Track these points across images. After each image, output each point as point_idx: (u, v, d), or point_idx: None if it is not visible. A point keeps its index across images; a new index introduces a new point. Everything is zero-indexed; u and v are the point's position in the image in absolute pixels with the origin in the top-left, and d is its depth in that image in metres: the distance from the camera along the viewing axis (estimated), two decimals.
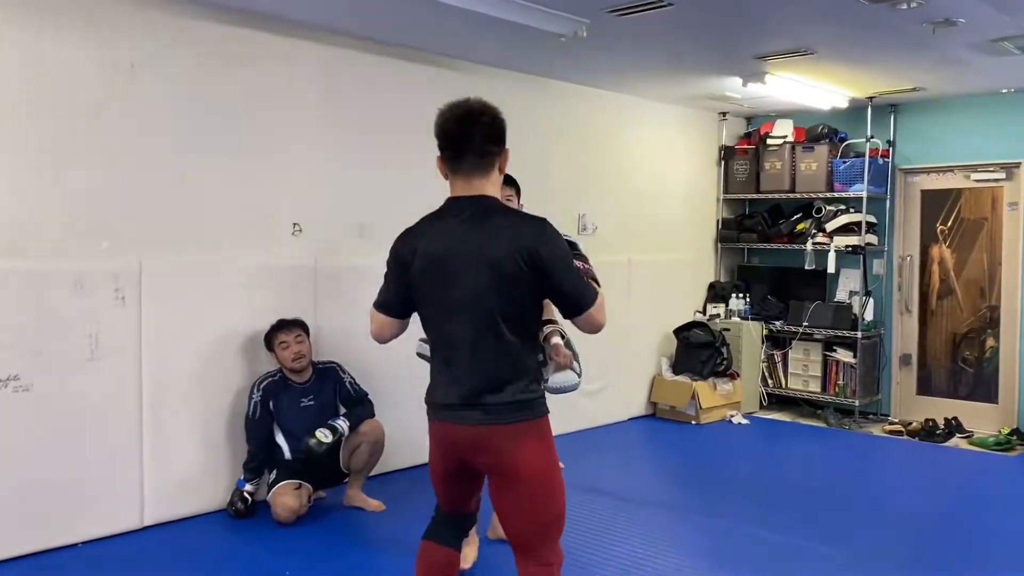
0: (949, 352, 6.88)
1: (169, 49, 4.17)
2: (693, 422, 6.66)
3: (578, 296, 2.38)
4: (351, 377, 4.48)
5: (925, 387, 6.99)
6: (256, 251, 4.51)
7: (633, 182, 6.85)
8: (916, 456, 5.92)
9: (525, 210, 2.67)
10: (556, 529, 2.42)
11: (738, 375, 6.98)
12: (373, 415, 4.45)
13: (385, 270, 2.54)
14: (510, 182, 3.80)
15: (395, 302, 2.53)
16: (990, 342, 6.63)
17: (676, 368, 6.92)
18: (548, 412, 2.43)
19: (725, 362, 6.84)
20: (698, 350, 6.82)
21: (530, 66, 5.72)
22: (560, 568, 2.43)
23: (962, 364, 6.83)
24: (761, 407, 7.27)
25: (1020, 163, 6.39)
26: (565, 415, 6.13)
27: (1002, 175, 6.54)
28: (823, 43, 4.98)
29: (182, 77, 4.22)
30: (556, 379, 2.80)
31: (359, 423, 4.34)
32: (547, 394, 2.53)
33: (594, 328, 2.45)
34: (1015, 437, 6.15)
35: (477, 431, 2.35)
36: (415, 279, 2.42)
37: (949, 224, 6.85)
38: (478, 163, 2.40)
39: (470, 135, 2.37)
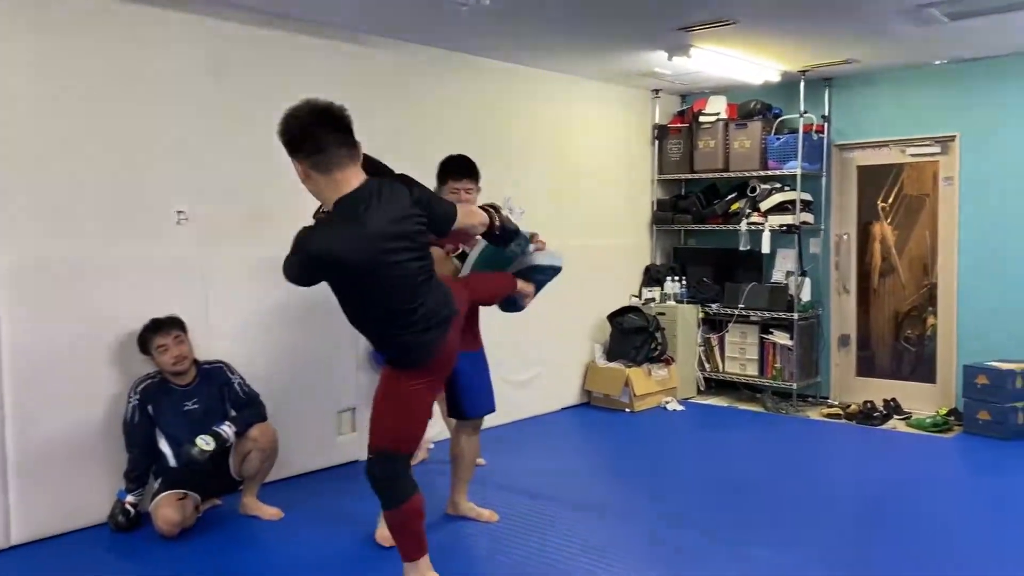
0: (892, 331, 6.72)
1: (23, 19, 3.79)
2: (627, 410, 6.43)
3: (444, 210, 3.02)
4: (240, 377, 4.16)
5: (865, 368, 6.83)
6: (134, 241, 4.15)
7: (564, 164, 6.58)
8: (852, 441, 5.74)
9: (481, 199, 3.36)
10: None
11: (673, 360, 6.76)
12: (264, 418, 4.13)
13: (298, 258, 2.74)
14: (472, 174, 3.90)
15: (307, 283, 2.87)
16: (931, 320, 6.48)
17: (610, 355, 6.68)
18: None
19: (660, 347, 6.62)
20: (632, 335, 6.58)
21: (440, 39, 5.40)
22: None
23: (904, 343, 6.68)
24: (699, 392, 7.07)
25: (955, 136, 6.22)
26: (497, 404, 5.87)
27: (937, 149, 6.37)
28: (745, 11, 4.72)
29: (44, 48, 3.84)
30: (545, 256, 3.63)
31: (248, 427, 4.02)
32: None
33: (475, 225, 3.24)
34: (952, 418, 6.01)
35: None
36: (349, 277, 2.78)
37: (891, 201, 6.67)
38: (348, 156, 2.74)
39: (331, 132, 2.75)
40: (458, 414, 3.90)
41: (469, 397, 3.85)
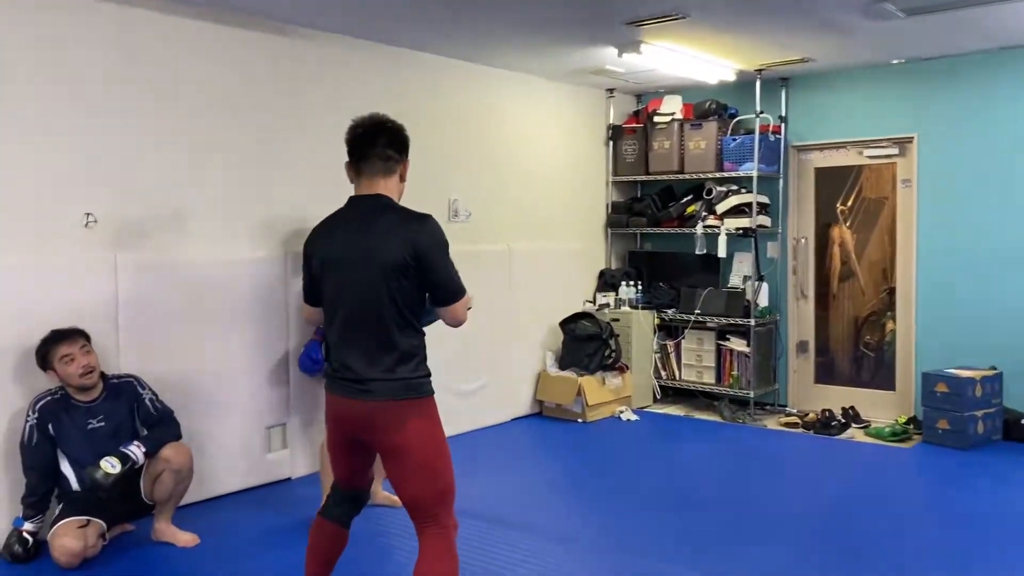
0: (851, 337, 6.56)
1: None
2: (580, 420, 6.19)
3: (453, 286, 2.67)
4: (152, 393, 3.85)
5: (824, 375, 6.66)
6: (34, 247, 3.83)
7: (514, 165, 6.33)
8: (809, 452, 5.55)
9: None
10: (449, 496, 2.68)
11: (627, 368, 6.54)
12: (178, 437, 3.83)
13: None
14: None
15: (310, 293, 2.82)
16: (891, 325, 6.33)
17: (562, 363, 6.44)
18: (433, 392, 2.68)
19: (613, 355, 6.39)
20: (584, 343, 6.35)
21: (379, 34, 5.13)
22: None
23: (864, 349, 6.52)
24: (655, 401, 6.86)
25: (913, 138, 6.07)
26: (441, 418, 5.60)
27: (895, 151, 6.21)
28: (695, 4, 4.51)
29: None
30: None
31: (160, 447, 3.71)
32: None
33: (457, 320, 2.73)
34: (912, 426, 5.84)
35: (368, 407, 2.61)
36: (316, 274, 2.74)
37: (850, 204, 6.51)
38: (381, 166, 2.73)
39: (374, 142, 2.72)
40: None
41: None
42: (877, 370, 6.42)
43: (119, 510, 3.73)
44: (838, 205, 6.56)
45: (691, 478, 4.94)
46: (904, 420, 5.92)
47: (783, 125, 6.56)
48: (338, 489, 2.82)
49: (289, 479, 4.79)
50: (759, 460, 5.35)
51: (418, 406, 2.60)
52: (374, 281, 2.57)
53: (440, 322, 2.76)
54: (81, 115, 3.97)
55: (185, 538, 3.81)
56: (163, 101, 4.27)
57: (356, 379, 2.59)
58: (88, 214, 4.00)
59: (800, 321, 6.71)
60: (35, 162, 3.83)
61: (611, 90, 7.05)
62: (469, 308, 2.76)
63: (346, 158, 2.77)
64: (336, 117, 5.08)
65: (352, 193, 2.76)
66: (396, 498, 3.78)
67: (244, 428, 4.59)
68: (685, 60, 5.67)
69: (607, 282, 7.01)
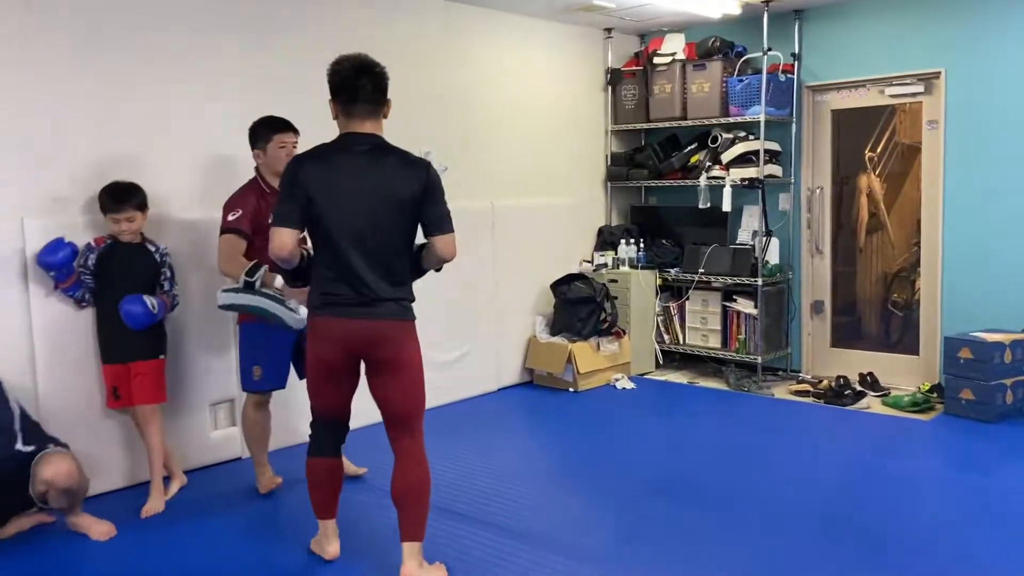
0: (879, 295, 5.98)
1: None
2: (571, 389, 5.75)
3: (449, 217, 2.98)
4: (21, 408, 3.47)
5: (844, 337, 6.11)
6: None
7: (497, 114, 5.83)
8: (816, 424, 5.03)
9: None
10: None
11: (624, 333, 6.06)
12: (46, 448, 3.41)
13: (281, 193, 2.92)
14: (295, 128, 3.78)
15: (297, 217, 2.87)
16: (920, 282, 5.74)
17: (553, 328, 5.99)
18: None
19: (609, 318, 5.91)
20: (577, 306, 5.88)
21: None
22: None
23: (892, 308, 5.96)
24: (657, 367, 6.38)
25: (940, 73, 5.41)
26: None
27: (920, 88, 5.56)
28: None
29: None
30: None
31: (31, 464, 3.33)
32: None
33: (453, 251, 2.97)
34: (936, 395, 5.29)
35: (376, 324, 2.92)
36: (316, 200, 2.85)
37: (879, 150, 5.89)
38: (371, 109, 2.93)
39: (364, 84, 2.89)
40: None
41: None
42: (904, 332, 5.86)
43: (7, 505, 3.41)
44: (866, 151, 5.94)
45: (681, 456, 4.47)
46: (927, 388, 5.37)
47: (796, 63, 5.94)
48: (324, 423, 3.10)
49: (239, 459, 4.45)
50: (759, 434, 4.85)
51: (412, 328, 2.99)
52: (386, 212, 2.87)
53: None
54: None
55: (100, 529, 3.48)
56: (76, 42, 3.86)
57: (365, 301, 2.88)
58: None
59: (815, 279, 6.14)
60: None
61: (609, 30, 6.47)
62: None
63: (324, 95, 2.94)
64: (294, 59, 4.68)
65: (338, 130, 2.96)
66: (353, 467, 4.10)
67: (184, 406, 4.24)
68: None
69: (606, 240, 6.51)
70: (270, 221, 2.94)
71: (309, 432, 3.19)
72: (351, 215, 2.85)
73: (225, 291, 3.53)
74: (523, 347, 6.01)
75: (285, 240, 2.84)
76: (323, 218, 2.85)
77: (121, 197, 3.69)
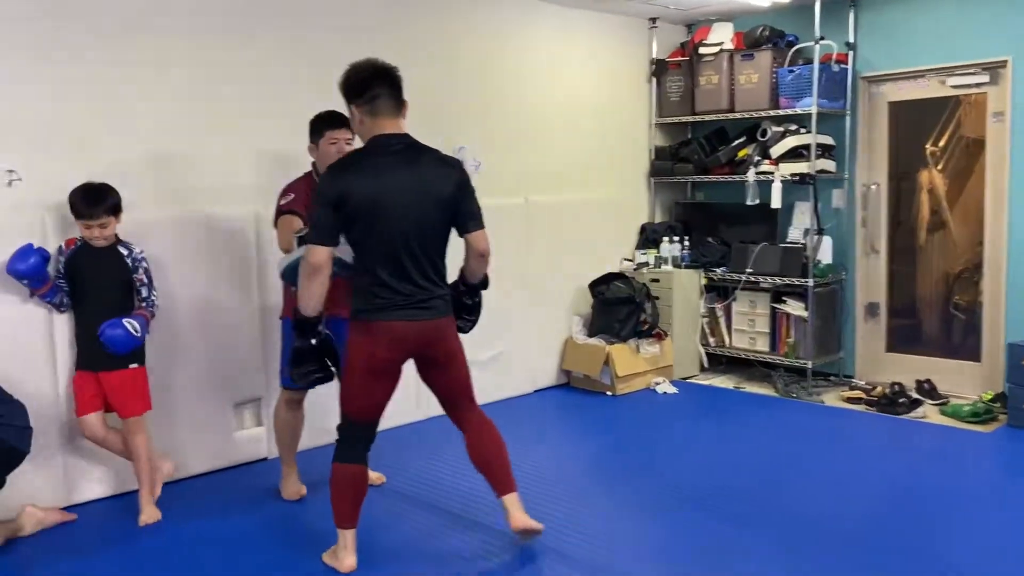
0: (940, 297, 5.66)
1: None
2: (608, 393, 5.55)
3: (480, 214, 3.11)
4: None
5: (900, 342, 5.79)
6: None
7: (535, 107, 5.64)
8: (868, 433, 4.75)
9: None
10: None
11: (666, 335, 5.83)
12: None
13: (313, 208, 2.96)
14: (348, 124, 3.50)
15: (333, 234, 2.90)
16: (984, 284, 5.40)
17: (591, 329, 5.79)
18: None
19: (649, 320, 5.69)
20: (616, 307, 5.67)
21: None
22: None
23: (954, 311, 5.63)
24: (702, 370, 6.13)
25: (1006, 62, 5.07)
26: None
27: (985, 78, 5.22)
28: None
29: None
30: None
31: None
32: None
33: (487, 247, 3.14)
34: (999, 404, 4.96)
35: (435, 324, 3.04)
36: (361, 208, 2.87)
37: (942, 144, 5.57)
38: (396, 108, 3.00)
39: (385, 85, 2.98)
40: None
41: None
42: (965, 337, 5.52)
43: None
44: (927, 146, 5.61)
45: (721, 466, 4.23)
46: (989, 397, 5.04)
47: (850, 53, 5.63)
48: (362, 428, 3.06)
49: (266, 459, 4.36)
50: (807, 444, 4.58)
51: (454, 320, 3.17)
52: (430, 212, 2.95)
53: None
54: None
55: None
56: (102, 39, 3.80)
57: (421, 301, 2.97)
58: (10, 171, 3.57)
59: (870, 280, 5.83)
60: None
61: (654, 19, 6.23)
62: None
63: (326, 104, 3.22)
64: (325, 54, 4.57)
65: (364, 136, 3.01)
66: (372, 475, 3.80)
67: (208, 406, 4.15)
68: None
69: (648, 238, 6.28)
70: (304, 234, 2.91)
71: (338, 438, 3.08)
72: (399, 217, 2.89)
73: (283, 260, 3.43)
74: (559, 348, 5.83)
75: (323, 259, 2.86)
76: (373, 224, 2.88)
77: (93, 201, 3.46)
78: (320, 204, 2.89)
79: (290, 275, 3.38)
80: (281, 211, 3.57)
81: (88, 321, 3.51)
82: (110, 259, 3.54)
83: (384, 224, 2.89)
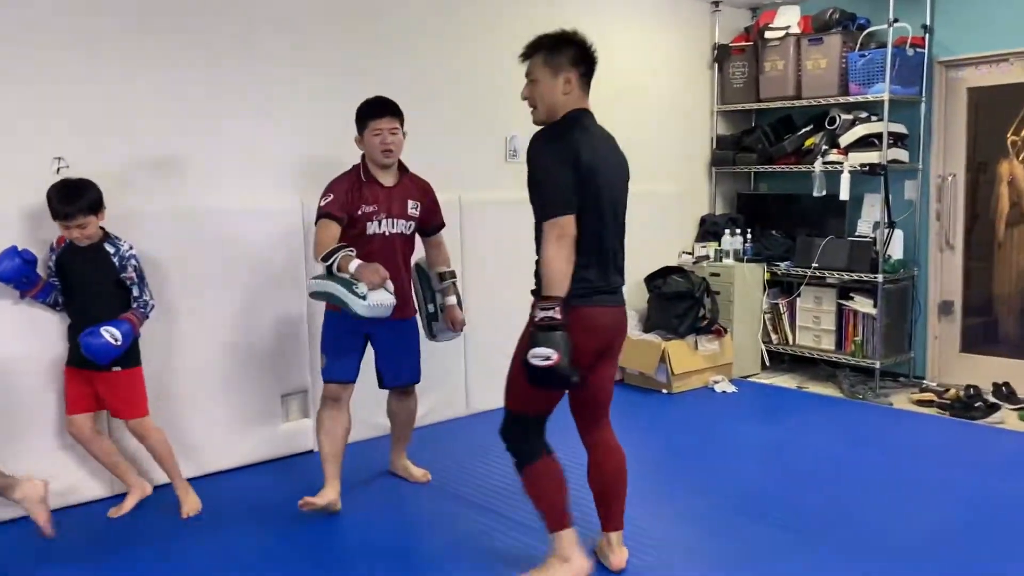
0: (1019, 295, 5.33)
1: None
2: (664, 391, 5.36)
3: None
4: None
5: (976, 342, 5.48)
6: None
7: (599, 92, 5.42)
8: (939, 439, 4.48)
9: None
10: None
11: (725, 331, 5.61)
12: None
13: (542, 175, 2.65)
14: (393, 111, 3.50)
15: (573, 200, 2.62)
16: None
17: (647, 325, 5.60)
18: None
19: (708, 315, 5.49)
20: (674, 302, 5.47)
21: None
22: None
23: None
24: (763, 369, 5.90)
25: None
26: (497, 384, 4.95)
27: None
28: None
29: None
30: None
31: None
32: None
33: None
34: None
35: (624, 311, 2.88)
36: (590, 182, 2.63)
37: None
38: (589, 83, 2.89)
39: (592, 58, 2.88)
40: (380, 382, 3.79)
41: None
42: None
43: None
44: (1009, 135, 5.29)
45: (780, 471, 4.03)
46: None
47: (926, 36, 5.32)
48: (541, 421, 2.83)
49: (312, 452, 4.31)
50: (873, 449, 4.34)
51: None
52: (623, 195, 2.83)
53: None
54: (47, 48, 3.51)
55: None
56: (148, 26, 3.76)
57: (617, 287, 2.81)
58: (59, 158, 3.55)
59: (944, 276, 5.53)
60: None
61: (717, 3, 6.00)
62: None
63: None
64: (368, 41, 4.49)
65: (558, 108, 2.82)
66: (414, 471, 3.91)
67: (254, 397, 4.11)
68: None
69: (708, 230, 6.07)
70: (550, 210, 2.58)
71: (510, 442, 2.84)
72: (607, 196, 2.72)
73: (313, 278, 3.35)
74: None
75: (573, 229, 2.59)
76: (589, 197, 2.64)
77: (69, 199, 3.22)
78: (556, 166, 2.60)
79: (321, 297, 3.29)
80: (319, 214, 3.39)
81: (77, 320, 3.37)
82: (96, 258, 3.34)
83: (596, 200, 2.66)
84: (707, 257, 5.89)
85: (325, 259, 3.23)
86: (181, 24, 3.84)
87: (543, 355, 2.47)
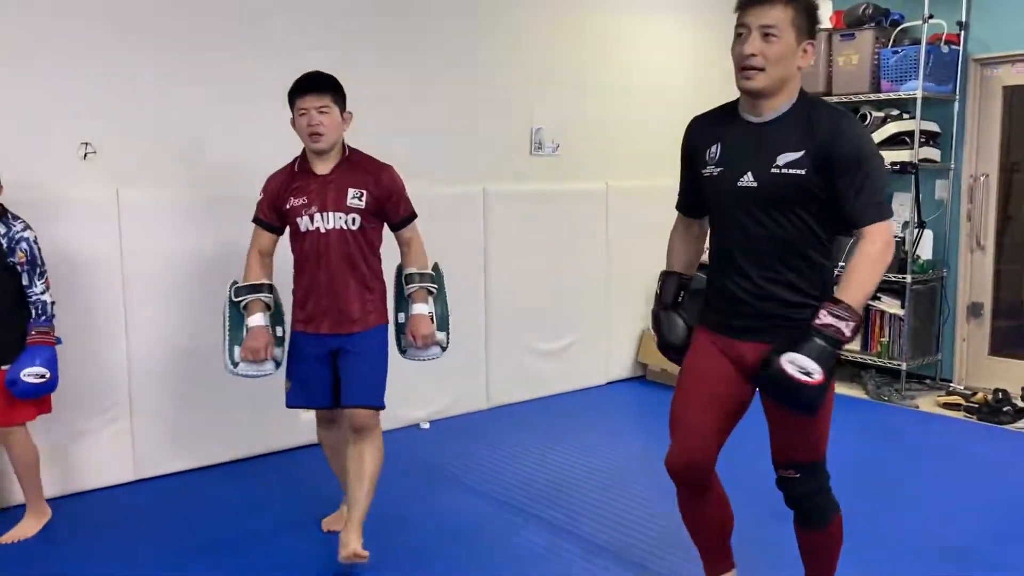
0: None
1: None
2: None
3: None
4: None
5: (1006, 344, 5.39)
6: (25, 179, 3.43)
7: (616, 88, 5.41)
8: (967, 445, 4.41)
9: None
10: None
11: None
12: None
13: (879, 166, 2.25)
14: (318, 88, 2.92)
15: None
16: None
17: None
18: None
19: None
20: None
21: None
22: None
23: None
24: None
25: None
26: (518, 377, 4.97)
27: None
28: None
29: None
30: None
31: None
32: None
33: None
34: None
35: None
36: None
37: None
38: None
39: None
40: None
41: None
42: None
43: None
44: None
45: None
46: None
47: (962, 33, 5.23)
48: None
49: None
50: (898, 452, 4.28)
51: None
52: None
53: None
54: (74, 29, 3.52)
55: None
56: (177, 11, 3.76)
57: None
58: (85, 143, 3.57)
59: (974, 278, 5.43)
60: (28, 80, 3.42)
61: None
62: None
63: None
64: (395, 32, 4.46)
65: None
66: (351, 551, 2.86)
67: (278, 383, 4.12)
68: None
69: None
70: (887, 209, 2.26)
71: (823, 487, 2.54)
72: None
73: (229, 297, 2.99)
74: (636, 339, 5.62)
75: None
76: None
77: None
78: (881, 162, 2.28)
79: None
80: (253, 217, 3.07)
81: None
82: None
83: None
84: None
85: (236, 295, 2.95)
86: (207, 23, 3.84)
87: (807, 368, 2.08)
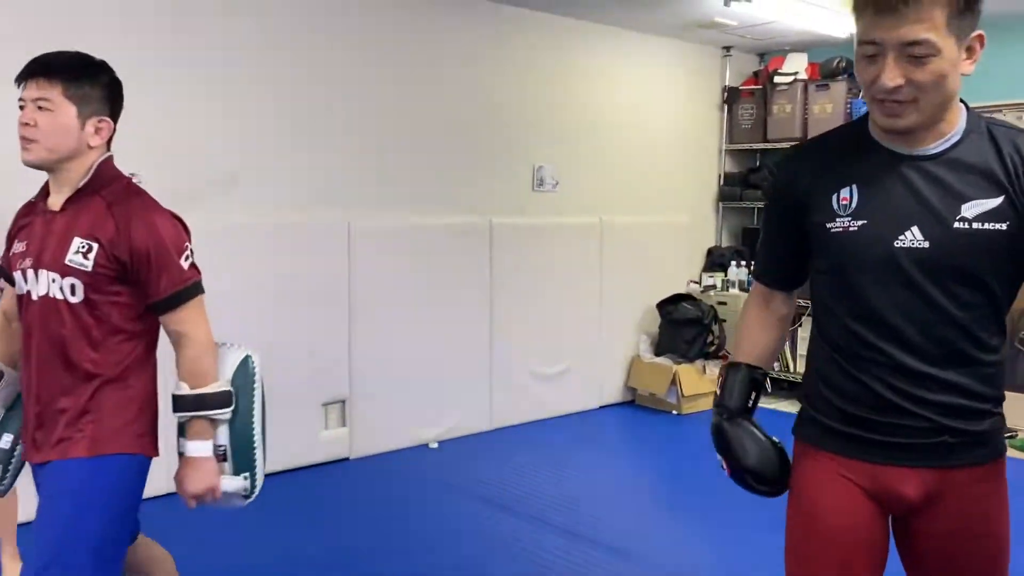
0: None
1: None
2: (674, 412, 5.64)
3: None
4: None
5: None
6: None
7: (611, 130, 5.78)
8: None
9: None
10: None
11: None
12: None
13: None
14: (49, 72, 1.96)
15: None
16: None
17: (658, 348, 5.89)
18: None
19: (716, 341, 5.79)
20: (684, 327, 5.77)
21: None
22: None
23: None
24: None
25: None
26: (519, 400, 5.23)
27: None
28: None
29: None
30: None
31: None
32: None
33: None
34: None
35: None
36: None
37: None
38: None
39: None
40: None
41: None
42: None
43: None
44: None
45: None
46: None
47: None
48: None
49: (346, 459, 4.53)
50: None
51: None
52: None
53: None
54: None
55: None
56: (228, 45, 4.04)
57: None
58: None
59: None
60: None
61: (728, 48, 6.36)
62: None
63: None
64: (412, 76, 4.78)
65: None
66: None
67: (295, 405, 4.34)
68: (806, 9, 4.98)
69: (715, 261, 6.38)
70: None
71: None
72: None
73: None
74: (626, 365, 5.94)
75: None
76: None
77: None
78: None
79: None
80: None
81: None
82: None
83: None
84: (714, 286, 6.20)
85: None
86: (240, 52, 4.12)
87: None
